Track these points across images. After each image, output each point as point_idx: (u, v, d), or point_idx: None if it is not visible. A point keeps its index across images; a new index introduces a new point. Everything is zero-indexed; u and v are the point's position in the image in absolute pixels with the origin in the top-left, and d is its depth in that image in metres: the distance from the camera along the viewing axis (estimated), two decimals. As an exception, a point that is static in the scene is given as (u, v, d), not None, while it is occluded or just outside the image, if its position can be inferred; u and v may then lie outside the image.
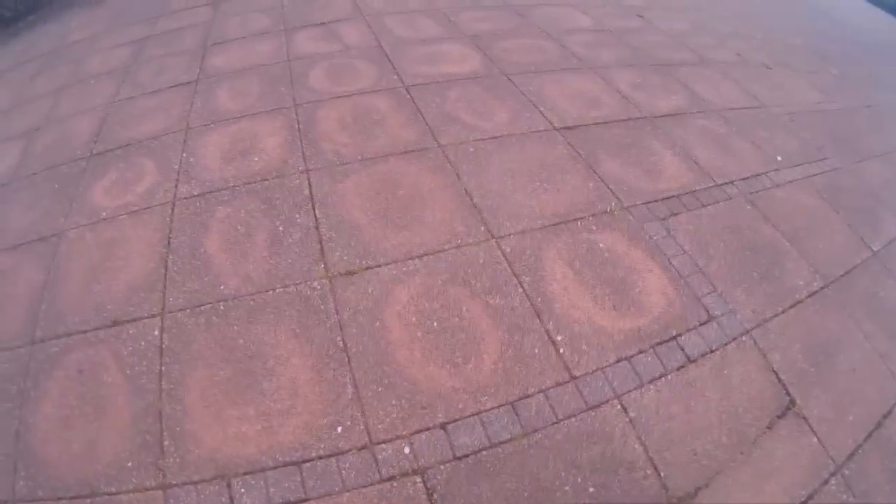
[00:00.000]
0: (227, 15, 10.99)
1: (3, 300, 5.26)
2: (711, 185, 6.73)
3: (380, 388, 4.16)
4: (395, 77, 8.11)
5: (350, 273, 5.00)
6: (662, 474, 4.00)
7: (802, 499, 4.13)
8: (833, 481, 4.28)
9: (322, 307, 4.71)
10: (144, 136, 7.09)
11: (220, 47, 9.46)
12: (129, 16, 12.10)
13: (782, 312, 5.37)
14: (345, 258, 5.15)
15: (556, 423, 4.13)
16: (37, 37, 12.69)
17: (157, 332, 4.61)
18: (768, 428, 4.42)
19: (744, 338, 5.01)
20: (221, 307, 4.74)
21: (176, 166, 6.42)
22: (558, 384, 4.34)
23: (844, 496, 4.22)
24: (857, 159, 8.42)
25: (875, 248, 6.63)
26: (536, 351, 4.51)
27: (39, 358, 4.59)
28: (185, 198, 5.94)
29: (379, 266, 5.08)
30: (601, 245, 5.54)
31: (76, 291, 5.10)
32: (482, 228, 5.51)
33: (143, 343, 4.54)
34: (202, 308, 4.75)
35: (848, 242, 6.56)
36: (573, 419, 4.16)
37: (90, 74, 9.35)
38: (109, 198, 6.14)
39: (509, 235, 5.47)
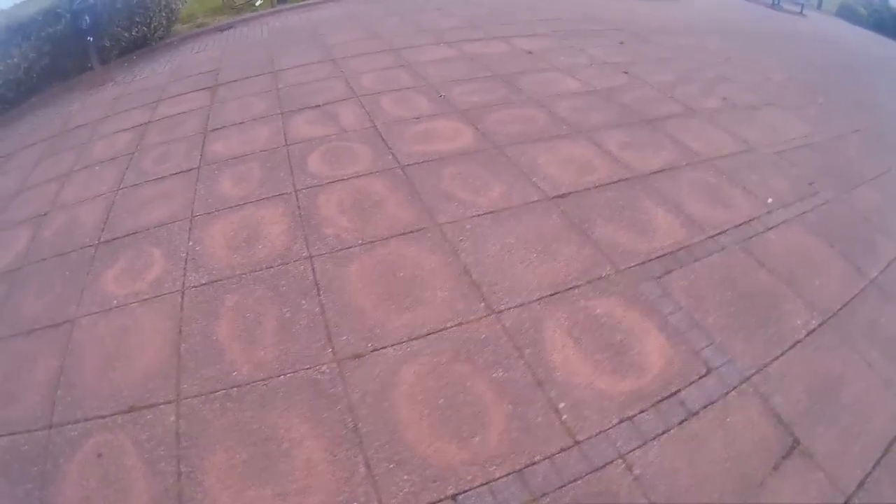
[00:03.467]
0: (224, 100, 11.26)
1: (21, 384, 5.35)
2: (704, 237, 6.84)
3: (391, 465, 4.23)
4: (391, 157, 8.32)
5: (357, 356, 5.09)
6: None
7: None
8: None
9: (332, 390, 4.80)
10: (151, 223, 7.26)
11: (220, 133, 9.69)
12: (129, 101, 12.36)
13: (781, 355, 5.43)
14: (351, 342, 5.24)
15: (562, 486, 4.17)
16: (39, 120, 12.93)
17: (173, 418, 4.69)
18: (774, 469, 4.45)
19: (744, 385, 5.06)
20: (235, 393, 4.84)
21: (183, 255, 6.58)
22: (563, 450, 4.39)
23: None
24: (849, 188, 8.56)
25: (872, 275, 6.72)
26: (540, 420, 4.58)
27: (58, 441, 4.65)
28: (194, 286, 6.08)
29: (385, 348, 5.17)
30: (598, 311, 5.64)
31: (92, 377, 5.19)
32: (482, 304, 5.63)
33: (160, 428, 4.62)
34: (216, 394, 4.85)
35: (844, 274, 6.66)
36: (579, 481, 4.21)
37: (94, 160, 9.55)
38: (120, 286, 6.28)
39: (509, 309, 5.58)
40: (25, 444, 4.72)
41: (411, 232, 6.68)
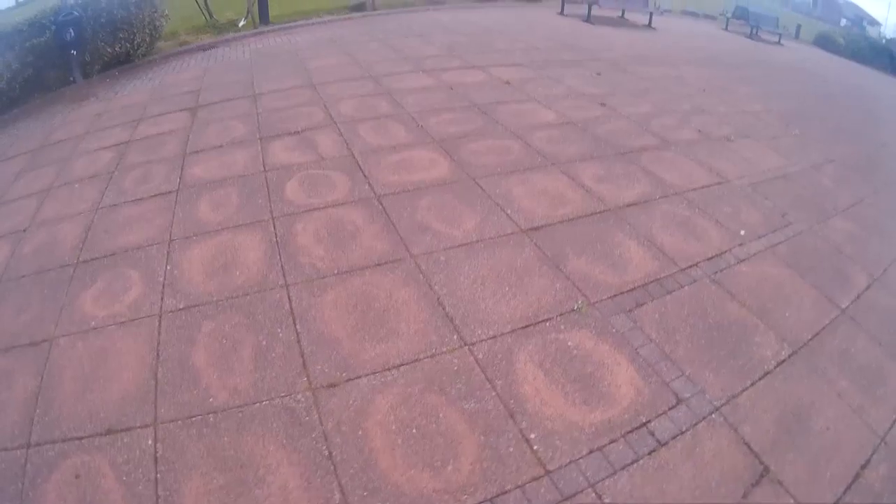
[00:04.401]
0: (204, 122, 11.31)
1: None
2: (676, 270, 6.96)
3: (365, 493, 4.28)
4: (367, 187, 8.40)
5: (332, 385, 5.15)
6: None
7: None
8: None
9: (307, 418, 4.85)
10: (130, 245, 7.28)
11: (199, 156, 9.74)
12: (110, 118, 12.37)
13: (751, 385, 5.53)
14: (326, 371, 5.30)
15: (533, 515, 4.26)
16: (20, 132, 12.90)
17: (150, 442, 4.71)
18: (743, 497, 4.52)
19: (713, 415, 5.16)
20: (211, 419, 4.88)
21: (161, 279, 6.62)
22: (534, 479, 4.45)
23: None
24: (822, 218, 8.74)
25: (843, 306, 6.87)
26: (511, 450, 4.65)
27: (36, 461, 4.65)
28: (171, 311, 6.11)
29: (359, 377, 5.23)
30: (569, 343, 5.73)
31: (69, 398, 5.19)
32: (455, 337, 5.71)
33: (137, 451, 4.63)
34: (193, 419, 4.88)
35: (815, 305, 6.79)
36: (550, 510, 4.30)
37: (75, 177, 9.56)
38: (98, 307, 6.29)
39: (481, 342, 5.66)
40: (2, 463, 4.71)
41: (386, 263, 6.76)
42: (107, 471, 4.52)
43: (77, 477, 4.50)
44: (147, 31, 17.26)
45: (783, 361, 5.90)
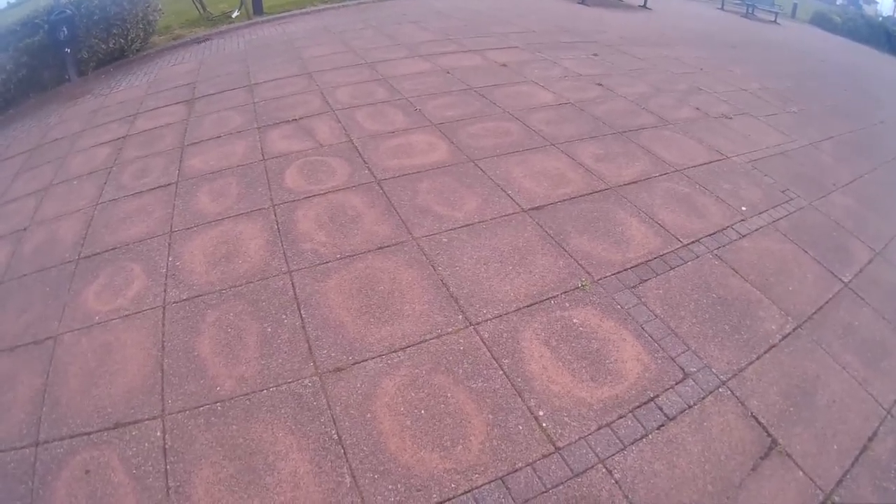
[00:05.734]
0: (201, 114, 11.28)
1: (5, 402, 5.30)
2: (678, 246, 6.98)
3: (375, 476, 4.28)
4: (367, 172, 8.40)
5: (338, 370, 5.14)
6: None
7: None
8: None
9: (315, 403, 4.85)
10: (130, 239, 7.26)
11: (197, 147, 9.71)
12: (106, 114, 12.32)
13: (757, 359, 5.57)
14: (332, 355, 5.30)
15: (545, 492, 4.25)
16: (16, 132, 12.84)
17: (159, 434, 4.69)
18: (752, 470, 4.55)
19: (720, 389, 5.18)
20: (219, 408, 4.86)
21: (163, 270, 6.59)
22: (544, 456, 4.47)
23: None
24: (822, 194, 8.79)
25: (846, 279, 6.92)
26: (520, 428, 4.66)
27: (45, 459, 4.63)
28: (175, 302, 6.09)
29: (365, 361, 5.23)
30: (575, 321, 5.74)
31: (76, 394, 5.16)
32: (460, 317, 5.72)
33: (146, 444, 4.62)
34: (201, 409, 4.87)
35: (818, 279, 6.83)
36: (561, 486, 4.28)
37: (73, 174, 9.52)
38: (101, 302, 6.26)
39: (486, 321, 5.67)
40: (12, 462, 4.69)
41: (388, 246, 6.76)
42: (116, 465, 4.52)
43: (87, 472, 4.49)
44: (141, 26, 17.18)
45: (788, 335, 5.93)
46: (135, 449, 4.62)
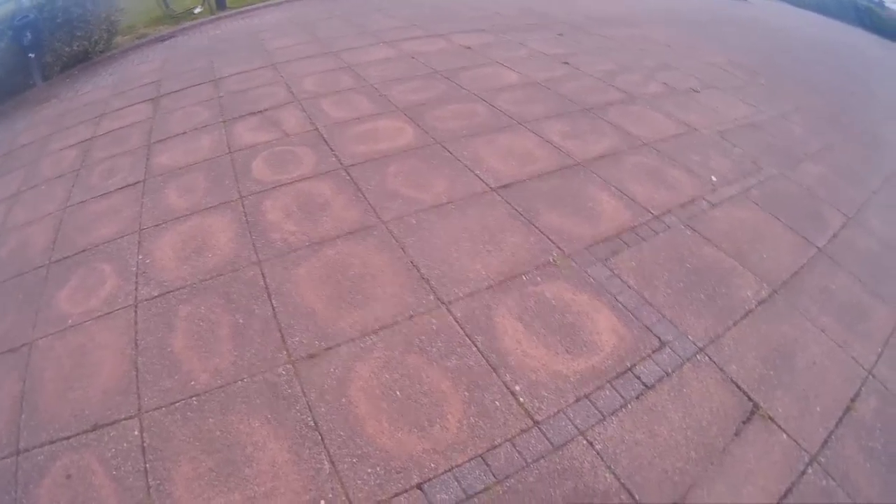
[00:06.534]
0: (167, 111, 11.19)
1: None
2: (650, 218, 7.03)
3: (354, 460, 4.29)
4: (334, 159, 8.38)
5: (312, 356, 5.14)
6: (637, 496, 4.15)
7: (782, 493, 4.30)
8: (810, 470, 4.50)
9: (290, 391, 4.84)
10: (101, 240, 7.20)
11: (164, 144, 9.64)
12: (74, 116, 12.20)
13: (734, 325, 5.64)
14: (305, 342, 5.29)
15: (526, 467, 4.28)
16: (-13, 138, 12.64)
17: (137, 432, 4.68)
18: (736, 435, 4.62)
19: (698, 356, 5.24)
20: (195, 402, 4.84)
21: (134, 269, 6.54)
22: (523, 431, 4.50)
23: (824, 482, 4.44)
24: (793, 163, 8.87)
25: (820, 245, 7.00)
26: (497, 404, 4.68)
27: (27, 467, 4.60)
28: (147, 299, 6.06)
29: (338, 346, 5.23)
30: (548, 295, 5.77)
31: (54, 399, 5.13)
32: (432, 297, 5.72)
33: (125, 444, 4.60)
34: (177, 405, 4.84)
35: (792, 245, 6.92)
36: (542, 461, 4.32)
37: (41, 179, 9.44)
38: (74, 305, 6.22)
39: (458, 300, 5.68)
40: (-5, 472, 4.65)
41: (358, 231, 6.75)
42: (97, 467, 4.50)
43: (68, 477, 4.48)
44: (104, 27, 16.99)
45: (764, 301, 6.01)
46: (114, 450, 4.60)
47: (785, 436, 4.68)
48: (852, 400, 5.14)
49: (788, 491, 4.34)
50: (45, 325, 6.06)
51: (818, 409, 4.97)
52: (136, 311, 5.94)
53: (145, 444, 4.60)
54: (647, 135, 9.30)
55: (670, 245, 6.65)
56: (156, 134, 10.15)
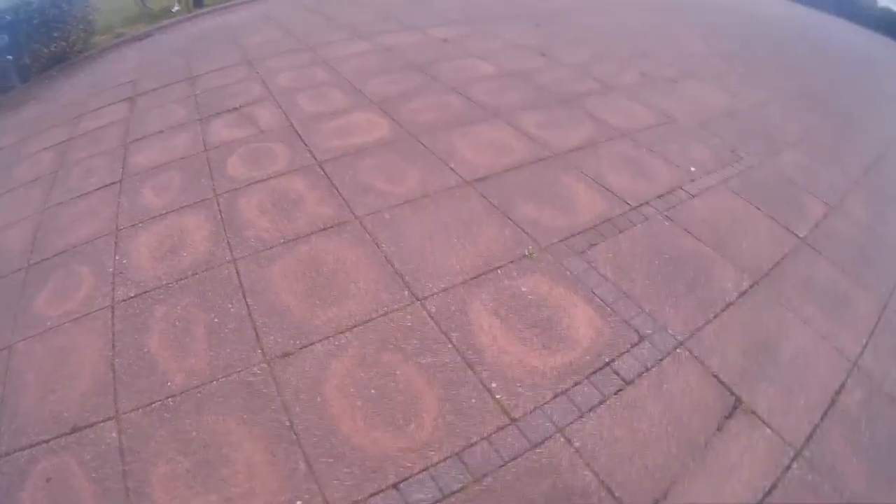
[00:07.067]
0: (143, 110, 11.17)
1: None
2: (627, 209, 7.02)
3: (330, 460, 4.28)
4: (308, 154, 8.38)
5: (287, 354, 5.13)
6: (617, 494, 4.12)
7: (766, 489, 4.28)
8: (795, 465, 4.47)
9: (265, 391, 4.83)
10: (78, 241, 7.19)
11: (141, 143, 9.62)
12: (51, 118, 12.16)
13: (714, 318, 5.61)
14: (279, 341, 5.28)
15: (503, 465, 4.25)
16: (-40, 146, 12.58)
17: (114, 434, 4.67)
18: (718, 430, 4.60)
19: (678, 350, 5.21)
20: (171, 403, 4.84)
21: (111, 269, 6.53)
22: (499, 428, 4.48)
23: (810, 476, 4.42)
24: (772, 152, 8.88)
25: (802, 234, 6.99)
26: (473, 401, 4.67)
27: (7, 471, 4.59)
28: (123, 300, 6.05)
29: (313, 344, 5.22)
30: (523, 289, 5.76)
31: (33, 402, 5.12)
32: (406, 293, 5.72)
33: (103, 446, 4.60)
34: (153, 406, 4.84)
35: (773, 235, 6.89)
36: (519, 459, 4.29)
37: (18, 182, 9.40)
38: (52, 307, 6.21)
39: (433, 295, 5.67)
40: (-24, 479, 4.64)
41: (331, 227, 6.75)
42: (76, 470, 4.49)
43: (48, 480, 4.47)
44: (81, 27, 16.99)
45: (745, 292, 6.00)
46: (92, 452, 4.59)
47: (769, 430, 4.66)
48: (837, 392, 5.13)
49: (773, 486, 4.32)
50: (24, 329, 6.03)
51: (802, 401, 4.96)
52: (113, 312, 5.93)
53: (123, 446, 4.59)
54: (624, 125, 9.30)
55: (649, 236, 6.63)
56: (133, 133, 10.13)
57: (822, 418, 4.86)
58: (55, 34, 15.87)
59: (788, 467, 4.46)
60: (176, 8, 20.61)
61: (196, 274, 6.25)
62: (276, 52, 13.90)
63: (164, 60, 14.74)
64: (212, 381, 4.99)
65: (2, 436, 4.93)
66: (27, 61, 15.35)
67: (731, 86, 11.73)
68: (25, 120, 12.68)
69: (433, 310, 5.52)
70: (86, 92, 13.53)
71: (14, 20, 14.60)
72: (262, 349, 5.24)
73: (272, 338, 5.35)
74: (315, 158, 8.28)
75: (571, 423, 4.56)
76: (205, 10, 20.36)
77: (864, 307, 6.25)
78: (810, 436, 4.70)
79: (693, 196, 7.44)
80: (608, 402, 4.72)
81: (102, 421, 4.82)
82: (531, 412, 4.62)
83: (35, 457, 4.68)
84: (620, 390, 4.83)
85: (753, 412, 4.77)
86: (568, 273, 6.00)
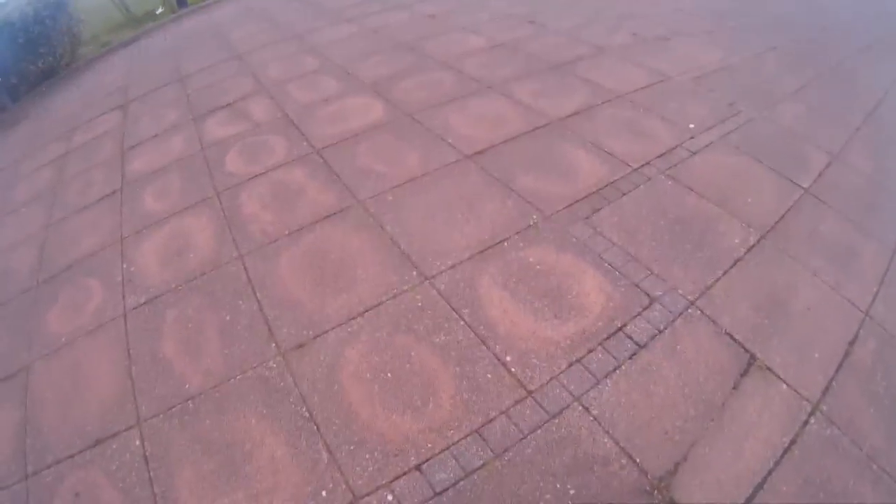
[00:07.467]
0: (136, 116, 11.16)
1: None
2: (629, 171, 6.94)
3: (351, 447, 4.31)
4: (306, 144, 8.37)
5: (300, 346, 5.15)
6: (638, 460, 4.12)
7: (786, 445, 4.26)
8: (813, 420, 4.44)
9: (282, 384, 4.86)
10: (84, 254, 7.21)
11: (137, 150, 9.63)
12: (45, 134, 12.18)
13: (724, 275, 5.55)
14: (292, 333, 5.30)
15: (523, 438, 4.26)
16: (-44, 172, 12.60)
17: (137, 442, 4.70)
18: (734, 389, 4.56)
19: (689, 310, 5.16)
20: (191, 405, 4.87)
21: (119, 279, 6.54)
22: (517, 402, 4.48)
23: (828, 431, 4.39)
24: (771, 104, 8.70)
25: (805, 185, 6.88)
26: (489, 376, 4.67)
27: (36, 490, 4.62)
28: (134, 308, 6.07)
29: (325, 333, 5.23)
30: (531, 260, 5.73)
31: (55, 419, 5.15)
32: (414, 273, 5.71)
33: (127, 455, 4.63)
34: (173, 410, 4.87)
35: (777, 188, 6.79)
36: (539, 431, 4.30)
37: (19, 202, 9.43)
38: (64, 323, 6.22)
39: (441, 273, 5.66)
40: (6, 501, 4.68)
41: (335, 214, 6.75)
42: (103, 482, 4.53)
43: (77, 496, 4.50)
44: (66, 39, 17.02)
45: (752, 247, 5.93)
46: (118, 463, 4.63)
47: (785, 386, 4.64)
48: (850, 343, 5.08)
49: (792, 442, 4.30)
50: (39, 347, 6.06)
51: (817, 355, 4.92)
52: (125, 321, 5.95)
53: (147, 453, 4.63)
54: (620, 87, 9.19)
55: (652, 197, 6.57)
56: (128, 140, 10.14)
57: (836, 371, 4.83)
58: (42, 50, 15.87)
59: (806, 422, 4.44)
60: (160, 10, 20.56)
61: (204, 274, 6.27)
62: (264, 44, 13.92)
63: (153, 64, 14.75)
64: (229, 380, 5.01)
65: (28, 456, 4.95)
66: (15, 81, 15.33)
67: (723, 41, 11.52)
68: (20, 139, 12.71)
69: (442, 288, 5.52)
70: (77, 105, 13.54)
71: (-1, 41, 14.59)
72: (275, 343, 5.26)
73: (285, 330, 5.36)
74: (313, 147, 8.27)
75: (588, 391, 4.55)
76: (188, 8, 20.36)
77: (871, 255, 6.18)
78: (826, 389, 4.67)
79: (694, 153, 7.34)
80: (623, 368, 4.71)
81: (125, 430, 4.87)
82: (547, 383, 4.62)
83: (62, 473, 4.70)
84: (634, 354, 4.81)
85: (768, 368, 4.74)
86: (574, 240, 5.96)
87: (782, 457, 4.23)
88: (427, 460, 4.21)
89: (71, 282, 6.84)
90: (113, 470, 4.59)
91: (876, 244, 6.30)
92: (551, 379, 4.64)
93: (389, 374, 4.78)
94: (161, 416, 4.88)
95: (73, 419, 5.12)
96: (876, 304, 5.54)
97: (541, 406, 4.47)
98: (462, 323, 5.14)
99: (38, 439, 5.07)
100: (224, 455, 4.47)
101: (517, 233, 6.10)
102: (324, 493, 4.12)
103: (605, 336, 4.96)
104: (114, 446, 4.77)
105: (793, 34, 12.42)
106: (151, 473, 4.48)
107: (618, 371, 4.68)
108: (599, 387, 4.58)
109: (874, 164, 7.66)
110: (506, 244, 5.97)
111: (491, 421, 4.40)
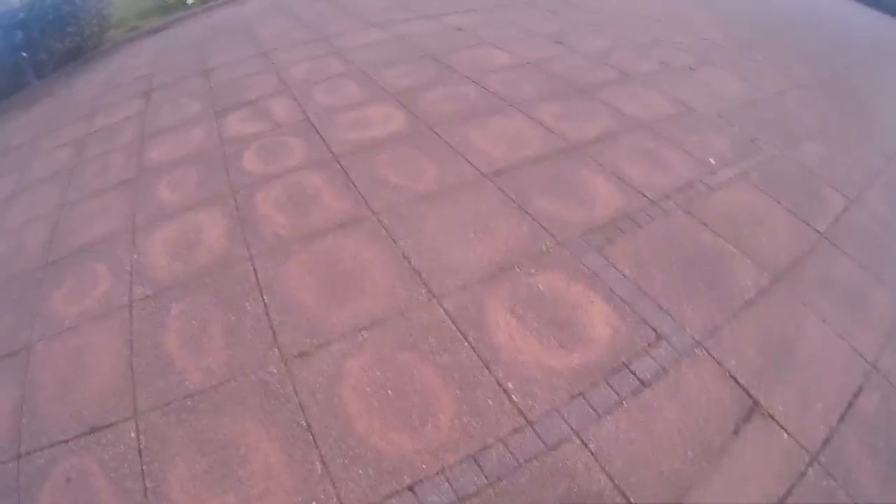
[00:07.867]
0: (158, 104, 11.19)
1: None
2: (646, 203, 6.90)
3: (346, 461, 4.28)
4: (325, 148, 8.34)
5: (303, 354, 5.13)
6: (632, 499, 4.08)
7: (782, 495, 4.23)
8: (811, 471, 4.40)
9: (282, 391, 4.84)
10: (95, 239, 7.21)
11: (156, 139, 9.65)
12: (66, 115, 12.22)
13: (733, 317, 5.51)
14: (296, 340, 5.28)
15: (518, 467, 4.23)
16: (-23, 144, 12.63)
17: (133, 434, 4.69)
18: (734, 433, 4.53)
19: (696, 350, 5.13)
20: (189, 403, 4.86)
21: (128, 268, 6.55)
22: (515, 430, 4.45)
23: (825, 482, 4.35)
24: (792, 142, 8.69)
25: (821, 229, 6.85)
26: (490, 402, 4.64)
27: (28, 471, 4.63)
28: (141, 299, 6.07)
29: (329, 343, 5.21)
30: (541, 286, 5.71)
31: (53, 402, 5.15)
32: (423, 290, 5.68)
33: (122, 446, 4.62)
34: (171, 406, 4.86)
35: (792, 230, 6.77)
36: (535, 461, 4.27)
37: (35, 180, 9.47)
38: (70, 306, 6.23)
39: (450, 293, 5.64)
40: (-3, 478, 4.68)
41: (348, 223, 6.72)
42: (95, 470, 4.52)
43: (68, 481, 4.50)
44: (95, 21, 17.03)
45: (764, 290, 5.90)
46: (111, 452, 4.62)
47: (785, 434, 4.61)
48: (855, 395, 5.05)
49: (788, 492, 4.28)
50: (42, 328, 6.07)
51: (820, 405, 4.89)
52: (130, 311, 5.96)
53: (142, 446, 4.61)
54: (642, 115, 9.17)
55: (667, 231, 6.55)
56: (148, 128, 10.17)
57: (838, 421, 4.80)
58: (70, 30, 15.93)
59: (804, 473, 4.41)
60: (191, 0, 20.59)
61: (213, 272, 6.26)
62: (290, 44, 13.90)
63: (179, 53, 14.78)
64: (229, 381, 5.00)
65: (22, 436, 4.96)
66: (42, 58, 15.39)
67: (749, 74, 11.52)
68: (41, 116, 12.77)
69: (450, 308, 5.49)
70: (101, 87, 13.60)
71: (28, 17, 14.65)
72: (278, 348, 5.24)
73: (289, 337, 5.34)
74: (331, 152, 8.25)
75: (588, 425, 4.52)
76: (219, 0, 20.34)
77: (882, 305, 6.15)
78: (826, 440, 4.64)
79: (712, 189, 7.31)
80: (625, 404, 4.68)
81: (121, 421, 4.85)
82: (547, 413, 4.59)
83: (55, 457, 4.70)
84: (637, 391, 4.78)
85: (770, 415, 4.71)
86: (586, 269, 5.94)
87: (776, 506, 4.20)
88: (420, 481, 4.18)
89: (80, 265, 6.85)
90: (106, 459, 4.58)
91: (888, 293, 6.28)
92: (551, 409, 4.61)
93: (390, 391, 4.76)
94: (159, 410, 4.87)
95: (70, 404, 5.11)
96: (883, 357, 5.51)
97: (539, 436, 4.44)
98: (467, 345, 5.11)
99: (33, 420, 5.07)
100: (218, 456, 4.46)
101: (529, 257, 6.08)
102: (314, 503, 4.10)
103: (609, 370, 4.93)
104: (109, 436, 4.75)
105: (818, 70, 12.46)
106: (144, 467, 4.47)
107: (619, 407, 4.65)
108: (599, 422, 4.54)
109: (892, 210, 7.65)
110: (517, 268, 5.94)
111: (488, 447, 4.37)
